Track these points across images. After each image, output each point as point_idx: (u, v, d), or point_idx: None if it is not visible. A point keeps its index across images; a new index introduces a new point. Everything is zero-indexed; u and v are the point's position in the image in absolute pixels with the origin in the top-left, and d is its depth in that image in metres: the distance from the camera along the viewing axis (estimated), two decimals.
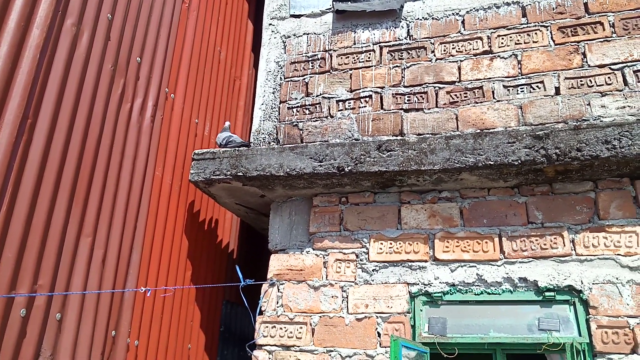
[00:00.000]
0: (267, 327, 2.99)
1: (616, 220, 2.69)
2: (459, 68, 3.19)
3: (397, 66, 3.33)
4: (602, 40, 3.00)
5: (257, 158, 3.10)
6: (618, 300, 2.56)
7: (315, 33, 3.61)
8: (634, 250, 2.61)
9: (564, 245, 2.71)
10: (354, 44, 3.49)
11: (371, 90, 3.32)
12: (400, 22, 3.44)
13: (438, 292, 2.81)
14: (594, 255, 2.66)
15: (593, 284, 2.61)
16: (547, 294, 2.66)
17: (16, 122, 2.26)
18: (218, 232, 4.00)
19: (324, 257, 3.06)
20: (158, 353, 3.14)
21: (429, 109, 3.16)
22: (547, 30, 3.11)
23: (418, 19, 3.40)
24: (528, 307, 2.69)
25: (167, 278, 3.26)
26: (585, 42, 3.02)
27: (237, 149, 3.20)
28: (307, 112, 3.41)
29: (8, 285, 2.17)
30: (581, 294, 2.62)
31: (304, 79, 3.50)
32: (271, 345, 2.94)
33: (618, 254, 2.64)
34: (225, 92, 4.24)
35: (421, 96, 3.21)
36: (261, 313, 3.05)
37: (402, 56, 3.35)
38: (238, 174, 3.10)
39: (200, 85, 3.83)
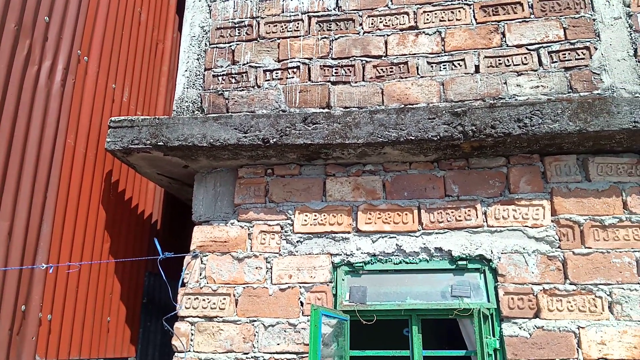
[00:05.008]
0: (189, 298, 2.96)
1: (525, 194, 2.87)
2: (386, 42, 3.21)
3: (325, 37, 3.30)
4: (520, 20, 3.11)
5: (179, 127, 2.99)
6: (524, 268, 2.75)
7: None
8: (540, 222, 2.80)
9: (477, 217, 2.86)
10: (283, 12, 3.41)
11: (299, 61, 3.27)
12: None
13: (359, 262, 2.88)
14: (504, 227, 2.83)
15: (502, 253, 2.78)
16: (460, 262, 2.80)
17: None
18: (139, 202, 3.86)
19: (248, 229, 3.04)
20: (74, 326, 3.03)
21: (355, 82, 3.17)
22: (470, 8, 3.18)
23: None
24: (442, 275, 2.83)
25: (82, 251, 3.11)
26: (505, 21, 3.13)
27: (157, 117, 3.06)
28: (233, 80, 3.31)
29: None
30: (491, 263, 2.78)
31: (230, 46, 3.39)
32: (194, 317, 2.92)
33: (525, 226, 2.82)
34: (146, 56, 4.01)
35: (349, 69, 3.21)
36: (184, 285, 3.01)
37: (330, 27, 3.32)
38: (158, 143, 2.97)
39: (118, 49, 3.60)
